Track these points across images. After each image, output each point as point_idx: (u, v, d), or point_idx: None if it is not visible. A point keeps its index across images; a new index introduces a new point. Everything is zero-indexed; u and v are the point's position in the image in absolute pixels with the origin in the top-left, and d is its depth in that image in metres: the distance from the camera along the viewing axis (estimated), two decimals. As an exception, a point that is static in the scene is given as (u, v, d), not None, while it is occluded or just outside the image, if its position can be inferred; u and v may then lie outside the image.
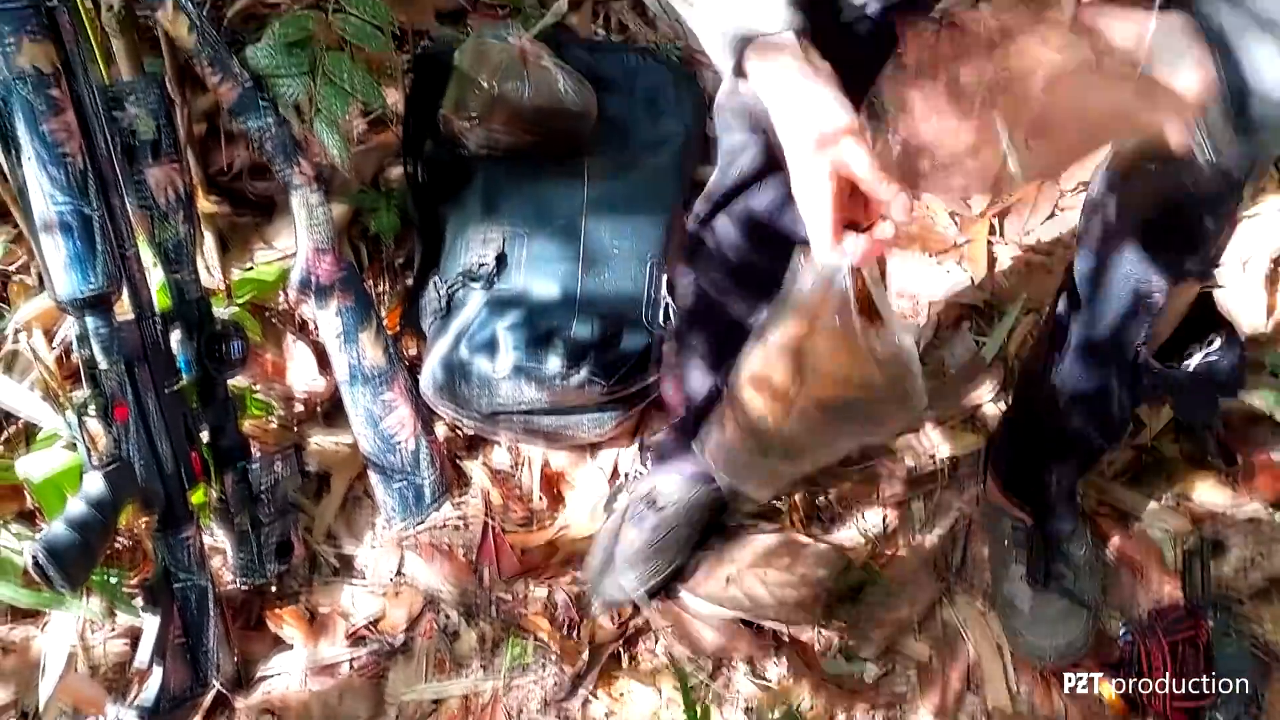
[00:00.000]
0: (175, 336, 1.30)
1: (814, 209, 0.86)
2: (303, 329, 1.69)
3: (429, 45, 1.81)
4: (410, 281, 1.73)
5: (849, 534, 1.63)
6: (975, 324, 1.86)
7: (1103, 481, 1.67)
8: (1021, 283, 1.89)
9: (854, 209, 0.87)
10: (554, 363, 1.36)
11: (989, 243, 1.96)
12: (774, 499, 1.62)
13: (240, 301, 1.50)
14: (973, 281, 1.90)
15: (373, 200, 1.66)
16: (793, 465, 1.10)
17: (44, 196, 1.12)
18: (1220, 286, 1.29)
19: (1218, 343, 1.28)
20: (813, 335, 0.91)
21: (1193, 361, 1.30)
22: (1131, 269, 1.22)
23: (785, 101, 0.88)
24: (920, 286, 1.88)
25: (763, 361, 0.96)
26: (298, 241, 1.36)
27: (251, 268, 1.71)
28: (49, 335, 1.54)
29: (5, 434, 1.51)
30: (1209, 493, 1.66)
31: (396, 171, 1.80)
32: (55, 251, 1.14)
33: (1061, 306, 1.36)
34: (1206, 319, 1.29)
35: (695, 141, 1.79)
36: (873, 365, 0.92)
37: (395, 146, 1.82)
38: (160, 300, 1.30)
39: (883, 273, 0.99)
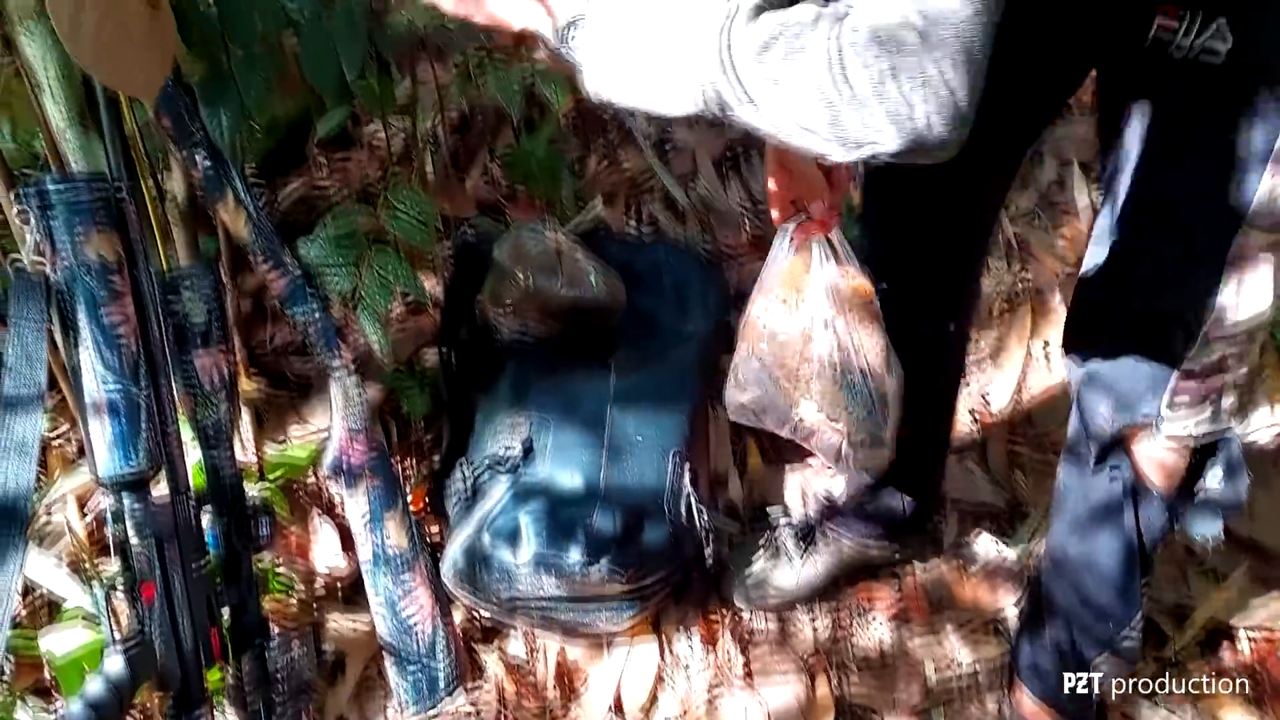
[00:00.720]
0: (206, 515, 1.33)
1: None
2: (329, 507, 1.71)
3: (469, 236, 1.89)
4: (438, 462, 1.76)
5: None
6: (997, 525, 1.86)
7: (1127, 695, 1.63)
8: (1042, 484, 1.90)
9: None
10: (575, 554, 1.37)
11: (1009, 443, 1.98)
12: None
13: (272, 480, 1.52)
14: (994, 481, 1.91)
15: (407, 382, 1.71)
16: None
17: (95, 378, 1.17)
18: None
19: (1221, 472, 1.30)
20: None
21: (1200, 493, 1.32)
22: None
23: None
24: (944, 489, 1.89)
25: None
26: (332, 424, 1.40)
27: (285, 442, 1.74)
28: (82, 505, 1.57)
29: (30, 603, 1.52)
30: (1235, 713, 1.62)
31: (431, 354, 1.86)
32: (100, 431, 1.18)
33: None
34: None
35: (720, 334, 1.85)
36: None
37: (431, 330, 1.89)
38: (195, 478, 1.33)
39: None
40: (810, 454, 1.91)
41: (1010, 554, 1.80)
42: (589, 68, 0.89)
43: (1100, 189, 1.30)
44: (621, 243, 1.92)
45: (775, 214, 1.34)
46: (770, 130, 0.84)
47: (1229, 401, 1.24)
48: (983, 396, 2.04)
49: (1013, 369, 2.06)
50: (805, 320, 1.28)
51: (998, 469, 1.92)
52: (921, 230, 1.41)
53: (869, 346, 1.32)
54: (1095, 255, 1.28)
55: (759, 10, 0.83)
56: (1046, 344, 2.14)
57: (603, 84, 0.89)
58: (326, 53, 1.29)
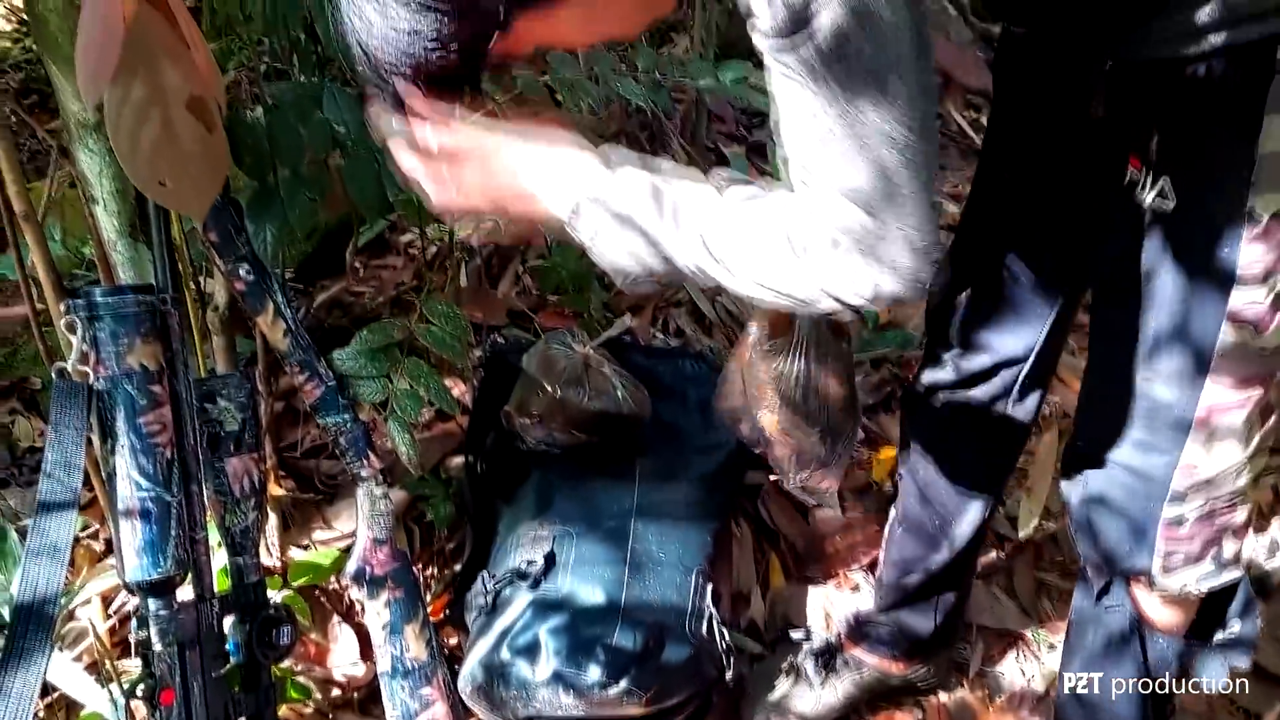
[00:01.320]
0: (229, 620, 1.34)
1: None
2: (349, 612, 1.71)
3: (498, 345, 1.92)
4: (459, 569, 1.77)
5: None
6: (1023, 652, 1.83)
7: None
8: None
9: None
10: (594, 672, 1.36)
11: (1035, 568, 1.96)
12: None
13: (295, 585, 1.53)
14: (1020, 608, 1.89)
15: (431, 490, 1.72)
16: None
17: (129, 483, 1.19)
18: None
19: (1238, 618, 1.29)
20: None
21: (1217, 637, 1.31)
22: None
23: None
24: (969, 613, 1.87)
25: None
26: (358, 531, 1.42)
27: (309, 546, 1.75)
28: (107, 604, 1.58)
29: (48, 704, 1.52)
30: None
31: (456, 461, 1.88)
32: (131, 535, 1.20)
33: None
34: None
35: (743, 449, 1.86)
36: None
37: (458, 438, 1.91)
38: (219, 582, 1.34)
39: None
40: (834, 573, 1.91)
41: (1037, 682, 1.77)
42: (591, 246, 1.02)
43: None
44: (647, 352, 1.94)
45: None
46: (745, 294, 0.98)
47: (1230, 549, 1.23)
48: (1009, 520, 2.03)
49: (1039, 492, 2.05)
50: (786, 343, 1.39)
51: (1024, 594, 1.90)
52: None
53: (834, 385, 1.41)
54: (1081, 394, 1.30)
55: (724, 192, 0.98)
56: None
57: (605, 259, 1.02)
58: (370, 172, 1.34)
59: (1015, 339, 1.42)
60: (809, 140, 0.89)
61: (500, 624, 1.42)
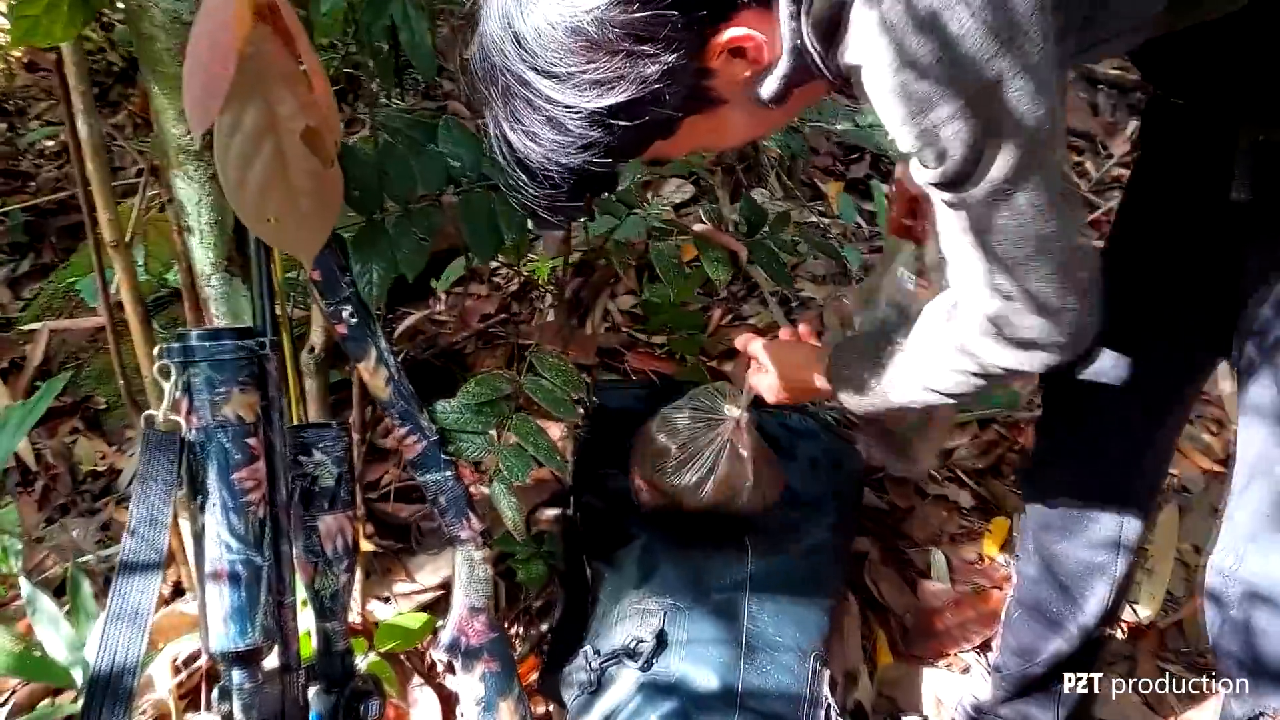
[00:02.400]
0: (313, 690, 1.23)
1: None
2: (430, 671, 1.60)
3: (604, 387, 1.80)
4: (545, 630, 1.66)
5: None
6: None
7: None
8: (1193, 712, 1.72)
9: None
10: (708, 767, 1.24)
11: (1158, 659, 1.81)
12: None
13: (382, 650, 1.43)
14: (1145, 703, 1.73)
15: (522, 547, 1.61)
16: None
17: (219, 545, 1.09)
18: None
19: None
20: None
21: None
22: None
23: None
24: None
25: None
26: (453, 598, 1.31)
27: (389, 599, 1.65)
28: (177, 668, 1.49)
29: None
30: None
31: (547, 513, 1.77)
32: (218, 601, 1.09)
33: None
34: None
35: (853, 515, 1.73)
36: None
37: (550, 486, 1.80)
38: (303, 648, 1.24)
39: None
40: (945, 652, 1.77)
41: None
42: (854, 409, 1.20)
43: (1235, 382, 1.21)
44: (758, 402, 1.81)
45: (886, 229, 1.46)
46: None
47: None
48: (1130, 605, 1.87)
49: (1161, 573, 1.90)
50: None
51: (1146, 686, 1.75)
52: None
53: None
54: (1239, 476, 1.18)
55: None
56: (1197, 548, 1.98)
57: (861, 409, 1.19)
58: (485, 211, 1.24)
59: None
60: (962, 250, 0.93)
61: (605, 705, 1.31)
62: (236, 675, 1.12)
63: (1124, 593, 1.53)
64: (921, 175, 0.87)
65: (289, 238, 1.06)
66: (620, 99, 0.84)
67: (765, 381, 1.37)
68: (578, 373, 1.31)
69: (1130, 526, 1.41)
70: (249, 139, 1.00)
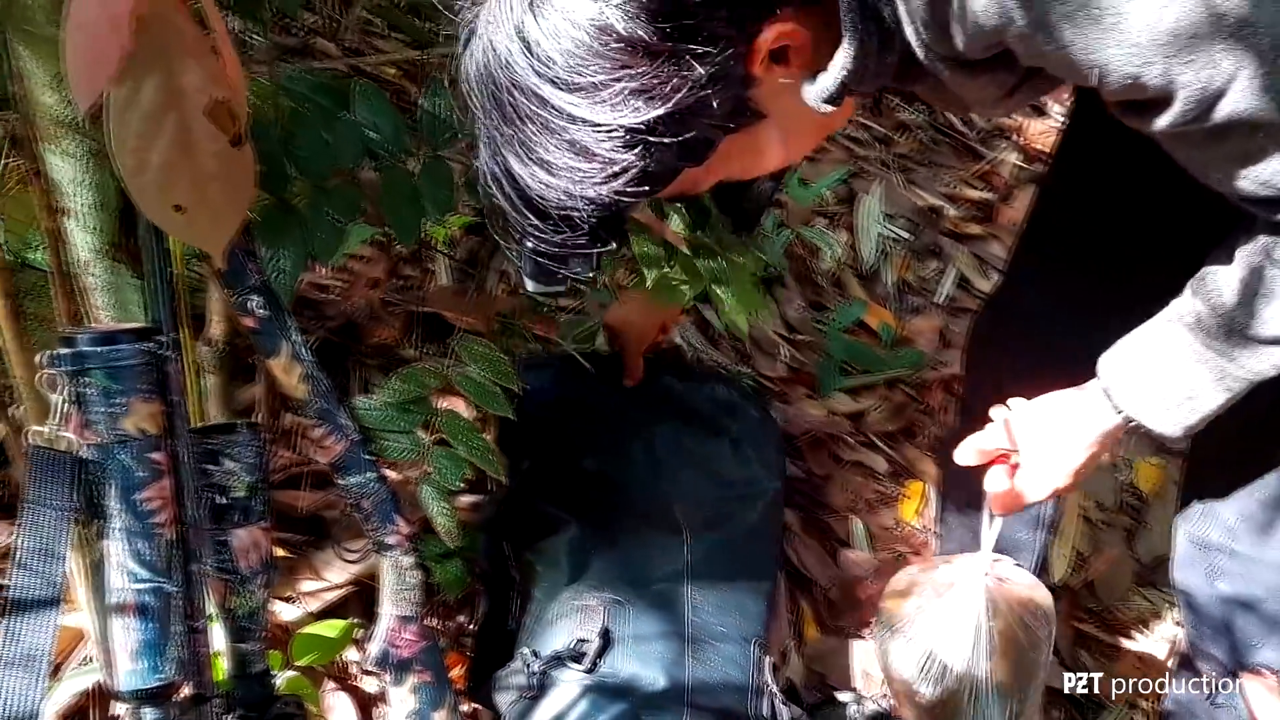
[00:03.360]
0: (231, 718, 1.13)
1: None
2: (344, 675, 1.50)
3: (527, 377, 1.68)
4: (468, 624, 1.57)
5: None
6: (1068, 713, 1.71)
7: None
8: (1113, 669, 1.76)
9: None
10: (659, 771, 1.19)
11: (1073, 620, 1.84)
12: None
13: (300, 665, 1.32)
14: (1062, 663, 1.76)
15: (439, 545, 1.49)
16: None
17: (124, 574, 0.97)
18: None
19: None
20: None
21: None
22: None
23: None
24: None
25: None
26: (380, 608, 1.21)
27: (293, 598, 1.53)
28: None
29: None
30: None
31: (460, 501, 1.67)
32: (125, 636, 0.98)
33: None
34: None
35: (781, 492, 1.69)
36: None
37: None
38: (217, 672, 1.13)
39: None
40: (869, 623, 1.76)
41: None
42: (1155, 420, 0.98)
43: None
44: (680, 373, 1.73)
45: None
46: None
47: None
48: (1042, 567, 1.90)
49: (1068, 535, 1.93)
50: None
51: (1065, 650, 1.78)
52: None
53: None
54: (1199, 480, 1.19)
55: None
56: (1100, 504, 2.02)
57: (1173, 420, 0.97)
58: (407, 190, 1.13)
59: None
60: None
61: (548, 710, 1.23)
62: (149, 714, 1.01)
63: (1044, 567, 1.55)
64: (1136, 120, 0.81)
65: (197, 229, 0.93)
66: (662, 111, 0.72)
67: (1031, 475, 1.08)
68: (508, 362, 1.22)
69: (1049, 503, 1.42)
70: (148, 116, 0.87)
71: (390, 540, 1.19)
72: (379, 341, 2.07)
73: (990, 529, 1.21)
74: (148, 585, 0.98)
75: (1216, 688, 1.23)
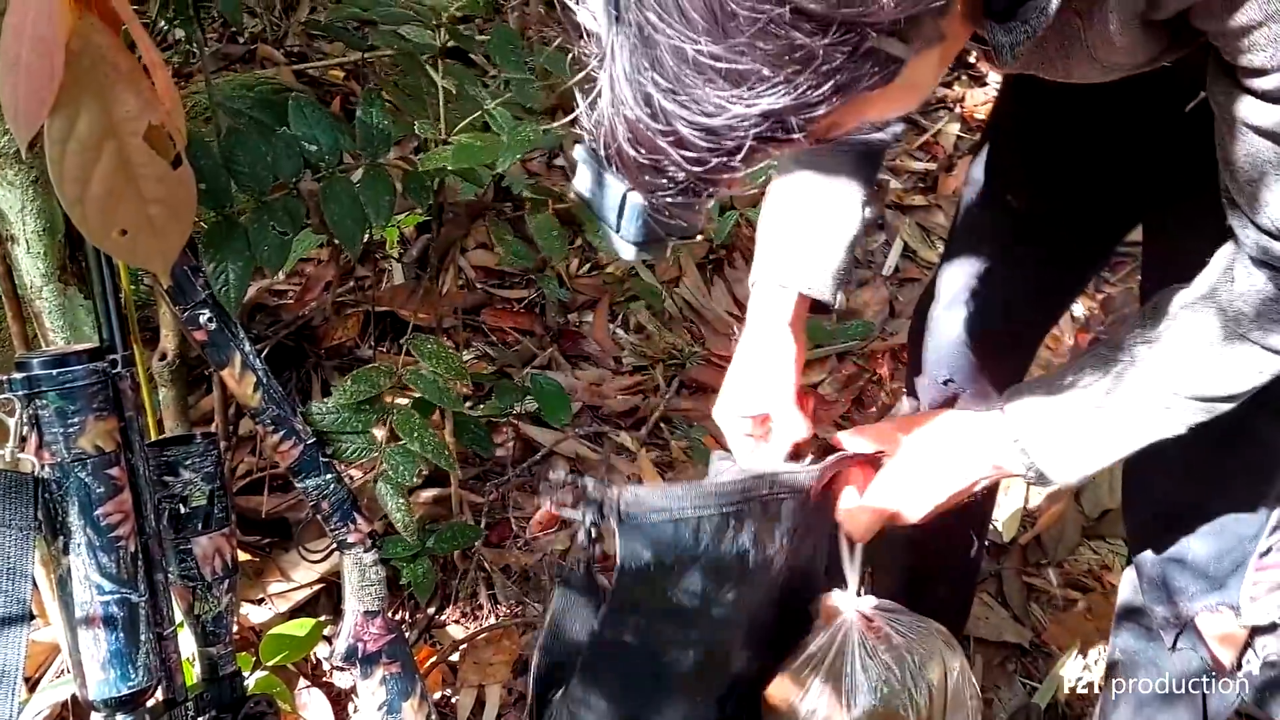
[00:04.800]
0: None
1: None
2: (315, 672, 1.54)
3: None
4: (432, 613, 1.61)
5: None
6: (1021, 666, 1.77)
7: None
8: (1063, 621, 1.82)
9: None
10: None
11: (1023, 574, 1.91)
12: None
13: (270, 665, 1.35)
14: (1014, 617, 1.83)
15: (407, 546, 1.52)
16: None
17: (89, 587, 1.00)
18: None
19: (1273, 645, 1.25)
20: None
21: (1254, 664, 1.26)
22: None
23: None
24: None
25: None
26: (345, 605, 1.25)
27: (264, 600, 1.57)
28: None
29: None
30: None
31: (422, 496, 1.71)
32: (94, 647, 1.01)
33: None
34: None
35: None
36: None
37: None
38: (187, 676, 1.16)
39: None
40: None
41: (1039, 698, 1.71)
42: (1058, 473, 1.01)
43: None
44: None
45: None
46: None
47: None
48: (992, 525, 1.96)
49: (1017, 493, 1.99)
50: None
51: (1016, 603, 1.84)
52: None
53: None
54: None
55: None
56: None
57: (1075, 473, 1.01)
58: (349, 197, 1.16)
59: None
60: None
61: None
62: (122, 720, 1.05)
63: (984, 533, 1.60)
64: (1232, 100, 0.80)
65: (142, 250, 0.96)
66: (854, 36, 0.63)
67: (912, 492, 1.07)
68: (460, 358, 1.25)
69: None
70: (87, 146, 0.89)
71: (351, 539, 1.22)
72: (336, 343, 2.09)
73: (854, 564, 1.14)
74: (113, 596, 1.01)
75: (1170, 635, 1.27)
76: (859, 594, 1.15)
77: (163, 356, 1.25)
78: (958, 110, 3.10)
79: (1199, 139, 1.04)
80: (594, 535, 1.07)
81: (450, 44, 1.26)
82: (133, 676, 1.02)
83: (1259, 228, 0.85)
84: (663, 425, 2.03)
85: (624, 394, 2.09)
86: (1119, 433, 0.98)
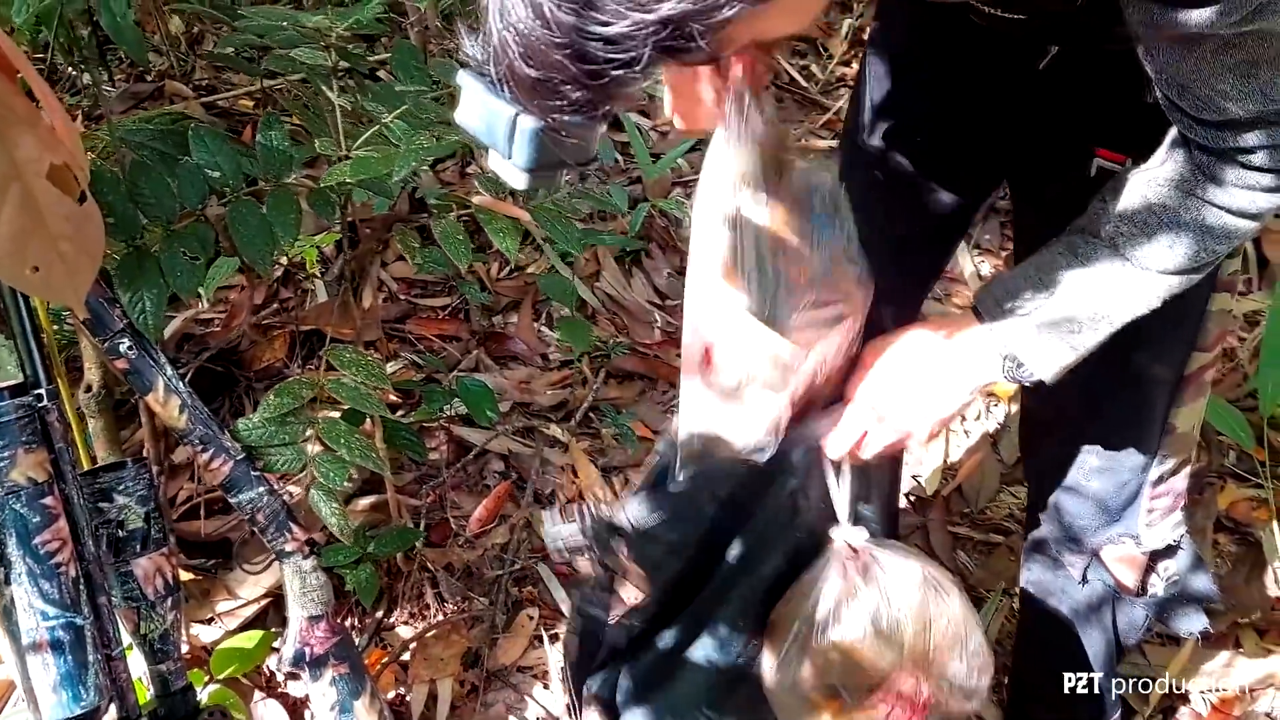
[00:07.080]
0: (159, 736, 1.20)
1: None
2: (270, 683, 1.58)
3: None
4: (380, 616, 1.65)
5: None
6: (952, 610, 1.85)
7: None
8: (989, 564, 1.91)
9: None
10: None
11: (947, 523, 1.99)
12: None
13: (222, 678, 1.39)
14: (940, 565, 1.90)
15: (348, 552, 1.56)
16: None
17: (33, 614, 1.04)
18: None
19: (1176, 567, 1.31)
20: None
21: (1158, 586, 1.32)
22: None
23: None
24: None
25: None
26: (289, 612, 1.29)
27: (213, 619, 1.60)
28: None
29: None
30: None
31: (360, 504, 1.75)
32: (44, 672, 1.05)
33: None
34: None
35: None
36: None
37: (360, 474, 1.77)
38: (139, 695, 1.20)
39: None
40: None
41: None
42: (1049, 371, 1.01)
43: None
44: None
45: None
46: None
47: (1183, 496, 1.28)
48: (913, 477, 2.05)
49: (937, 446, 2.08)
50: None
51: (942, 551, 1.93)
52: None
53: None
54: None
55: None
56: (963, 418, 2.17)
57: (1061, 366, 1.01)
58: (256, 218, 1.20)
59: None
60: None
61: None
62: (77, 741, 1.08)
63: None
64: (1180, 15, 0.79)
65: (54, 286, 0.99)
66: None
67: (916, 410, 1.06)
68: (379, 363, 1.30)
69: None
70: (-10, 189, 0.93)
71: (289, 547, 1.27)
72: (265, 365, 2.12)
73: (841, 493, 1.13)
74: (58, 621, 1.05)
75: (1078, 569, 1.34)
76: (852, 524, 1.15)
77: (88, 388, 1.28)
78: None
79: (1053, 98, 1.13)
80: (606, 566, 1.17)
81: (342, 64, 1.31)
82: (84, 697, 1.06)
83: (1204, 123, 0.86)
84: (592, 415, 2.09)
85: (553, 388, 2.14)
86: (1101, 318, 0.98)
